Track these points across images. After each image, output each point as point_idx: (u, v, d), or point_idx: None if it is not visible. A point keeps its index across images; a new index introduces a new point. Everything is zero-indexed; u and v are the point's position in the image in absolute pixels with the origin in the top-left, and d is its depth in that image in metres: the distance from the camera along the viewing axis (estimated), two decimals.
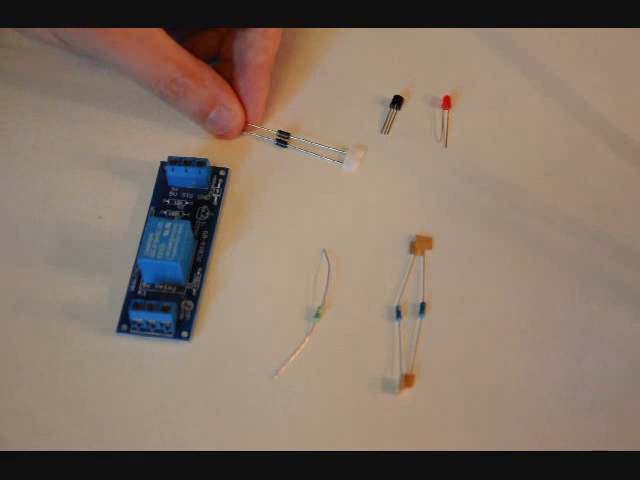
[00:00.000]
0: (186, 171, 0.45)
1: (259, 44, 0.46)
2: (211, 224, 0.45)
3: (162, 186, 0.46)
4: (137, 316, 0.41)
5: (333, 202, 0.46)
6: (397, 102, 0.48)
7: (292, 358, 0.41)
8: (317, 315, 0.42)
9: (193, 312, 0.42)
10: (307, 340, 0.42)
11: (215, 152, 0.47)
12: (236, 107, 0.47)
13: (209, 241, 0.44)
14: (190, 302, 0.43)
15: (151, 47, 0.44)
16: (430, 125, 0.48)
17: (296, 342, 0.42)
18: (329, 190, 0.46)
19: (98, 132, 0.47)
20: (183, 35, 0.48)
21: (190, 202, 0.45)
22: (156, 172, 0.46)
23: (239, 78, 0.47)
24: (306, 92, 0.49)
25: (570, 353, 0.42)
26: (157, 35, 0.44)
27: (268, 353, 0.42)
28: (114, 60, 0.44)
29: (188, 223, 0.42)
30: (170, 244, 0.41)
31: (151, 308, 0.41)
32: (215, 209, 0.45)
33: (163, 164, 0.46)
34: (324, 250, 0.44)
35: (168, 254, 0.41)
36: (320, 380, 0.41)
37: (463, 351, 0.42)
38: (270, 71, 0.47)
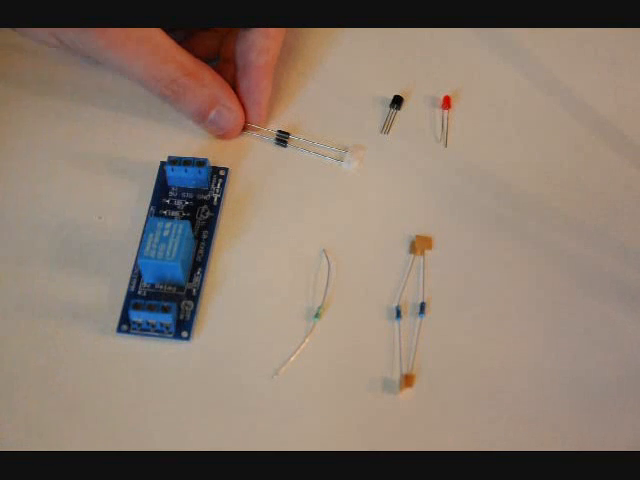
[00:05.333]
0: (186, 171, 0.45)
1: (261, 45, 0.46)
2: (211, 224, 0.45)
3: (162, 186, 0.46)
4: (137, 316, 0.41)
5: (333, 202, 0.46)
6: (397, 102, 0.48)
7: (292, 358, 0.41)
8: (317, 315, 0.42)
9: (193, 312, 0.42)
10: (307, 340, 0.42)
11: (215, 152, 0.47)
12: (236, 107, 0.46)
13: (209, 241, 0.44)
14: (190, 302, 0.43)
15: (151, 48, 0.44)
16: (430, 125, 0.48)
17: (296, 342, 0.42)
18: (329, 190, 0.46)
19: (98, 132, 0.47)
20: (183, 35, 0.49)
21: (190, 202, 0.45)
22: (156, 172, 0.46)
23: (241, 79, 0.47)
24: (306, 92, 0.49)
25: (570, 353, 0.42)
26: (157, 35, 0.44)
27: (268, 353, 0.42)
28: (114, 61, 0.44)
29: (188, 223, 0.42)
30: (170, 244, 0.41)
31: (151, 308, 0.41)
32: (215, 209, 0.45)
33: (163, 164, 0.46)
34: (324, 250, 0.44)
35: (168, 254, 0.41)
36: (320, 380, 0.41)
37: (463, 351, 0.42)
38: (272, 72, 0.47)
